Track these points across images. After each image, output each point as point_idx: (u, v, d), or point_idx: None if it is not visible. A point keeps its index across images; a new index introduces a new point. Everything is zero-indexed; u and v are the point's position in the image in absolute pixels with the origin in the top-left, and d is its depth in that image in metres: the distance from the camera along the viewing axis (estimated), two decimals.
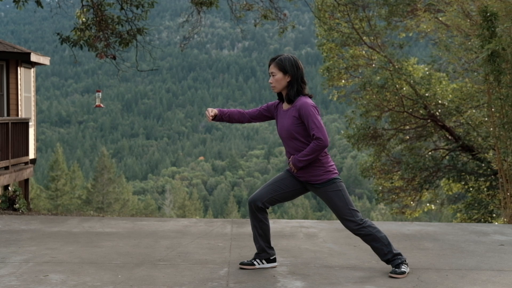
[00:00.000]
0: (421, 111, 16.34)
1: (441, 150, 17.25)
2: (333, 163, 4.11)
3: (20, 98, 12.70)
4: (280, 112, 4.16)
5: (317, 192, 4.11)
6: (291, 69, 4.04)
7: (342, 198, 4.04)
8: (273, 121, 4.66)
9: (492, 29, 9.25)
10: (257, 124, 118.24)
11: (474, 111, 15.72)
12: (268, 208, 4.18)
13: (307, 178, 4.09)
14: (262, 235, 4.20)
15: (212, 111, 4.21)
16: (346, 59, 17.60)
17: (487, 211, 14.37)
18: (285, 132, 4.07)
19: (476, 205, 14.90)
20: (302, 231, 5.86)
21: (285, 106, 4.13)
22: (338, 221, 6.66)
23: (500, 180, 9.80)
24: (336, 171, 4.10)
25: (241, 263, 4.24)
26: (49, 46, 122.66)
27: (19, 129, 11.04)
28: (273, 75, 4.07)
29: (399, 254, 4.11)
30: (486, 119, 13.68)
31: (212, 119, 4.22)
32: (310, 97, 4.09)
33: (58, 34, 10.03)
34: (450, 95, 15.97)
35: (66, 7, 10.75)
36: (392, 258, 4.08)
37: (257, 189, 4.25)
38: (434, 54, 17.25)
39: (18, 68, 12.60)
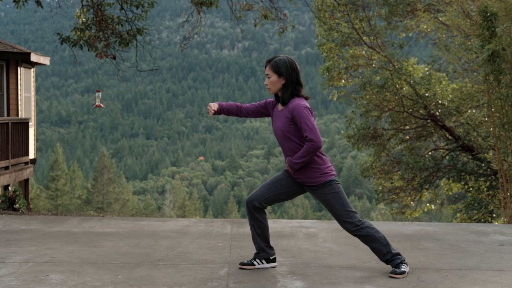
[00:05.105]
0: (421, 111, 16.33)
1: (441, 150, 17.25)
2: (330, 165, 4.11)
3: (20, 98, 12.70)
4: (275, 112, 4.19)
5: (314, 193, 4.12)
6: (286, 72, 4.04)
7: (339, 200, 4.04)
8: (267, 120, 4.67)
9: (492, 29, 9.24)
10: (257, 124, 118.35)
11: (474, 111, 15.71)
12: (265, 207, 4.19)
13: (303, 180, 4.10)
14: (260, 234, 4.20)
15: (214, 106, 4.25)
16: (346, 59, 17.60)
17: (487, 211, 14.36)
18: (280, 133, 4.10)
19: (476, 205, 14.89)
20: (302, 231, 5.86)
21: (280, 107, 4.15)
22: None
23: (500, 180, 9.79)
24: (333, 173, 4.10)
25: (241, 263, 4.24)
26: (49, 46, 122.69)
27: (19, 129, 11.04)
28: (268, 77, 4.10)
29: (398, 254, 4.11)
30: (486, 119, 13.67)
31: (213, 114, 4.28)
32: (306, 98, 4.09)
33: (58, 34, 10.03)
34: (450, 95, 15.97)
35: (66, 7, 10.75)
36: (391, 258, 4.08)
37: (255, 189, 4.27)
38: (434, 54, 17.24)
39: (18, 68, 12.60)
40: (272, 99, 4.29)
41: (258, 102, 4.35)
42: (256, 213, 4.17)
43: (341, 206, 4.03)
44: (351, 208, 4.06)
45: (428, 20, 15.57)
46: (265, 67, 4.13)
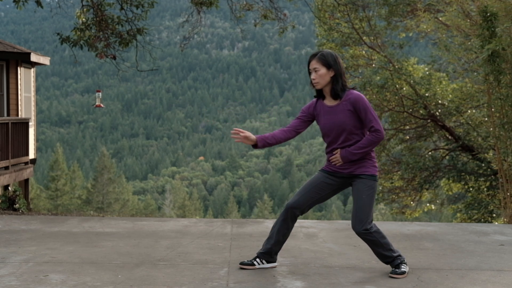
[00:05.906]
0: (421, 111, 16.33)
1: (441, 150, 17.25)
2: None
3: (20, 98, 12.70)
4: (323, 109, 4.07)
5: (355, 182, 4.05)
6: (334, 64, 3.99)
7: (371, 200, 4.01)
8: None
9: (492, 29, 9.24)
10: (257, 124, 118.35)
11: (474, 111, 15.71)
12: (303, 213, 4.19)
13: (352, 170, 4.04)
14: (280, 241, 4.19)
15: (245, 133, 4.07)
16: (346, 59, 17.59)
17: (487, 211, 14.35)
18: (338, 127, 4.00)
19: (476, 205, 14.89)
20: (302, 231, 5.86)
21: (330, 102, 4.06)
22: (338, 221, 6.68)
23: (500, 180, 9.79)
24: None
25: (241, 263, 4.24)
26: (49, 46, 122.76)
27: (19, 129, 11.04)
28: (316, 71, 4.00)
29: (399, 254, 4.11)
30: (486, 119, 13.67)
31: (254, 147, 4.12)
32: (354, 89, 4.06)
33: (58, 34, 10.03)
34: (450, 95, 15.96)
35: (66, 7, 10.75)
36: (391, 260, 4.08)
37: (295, 194, 4.17)
38: (434, 54, 17.24)
39: (18, 68, 12.60)
40: (309, 103, 4.20)
41: (297, 117, 4.22)
42: (291, 221, 4.15)
43: (368, 206, 4.00)
44: (372, 214, 4.04)
45: (428, 20, 15.56)
46: (309, 62, 4.04)
